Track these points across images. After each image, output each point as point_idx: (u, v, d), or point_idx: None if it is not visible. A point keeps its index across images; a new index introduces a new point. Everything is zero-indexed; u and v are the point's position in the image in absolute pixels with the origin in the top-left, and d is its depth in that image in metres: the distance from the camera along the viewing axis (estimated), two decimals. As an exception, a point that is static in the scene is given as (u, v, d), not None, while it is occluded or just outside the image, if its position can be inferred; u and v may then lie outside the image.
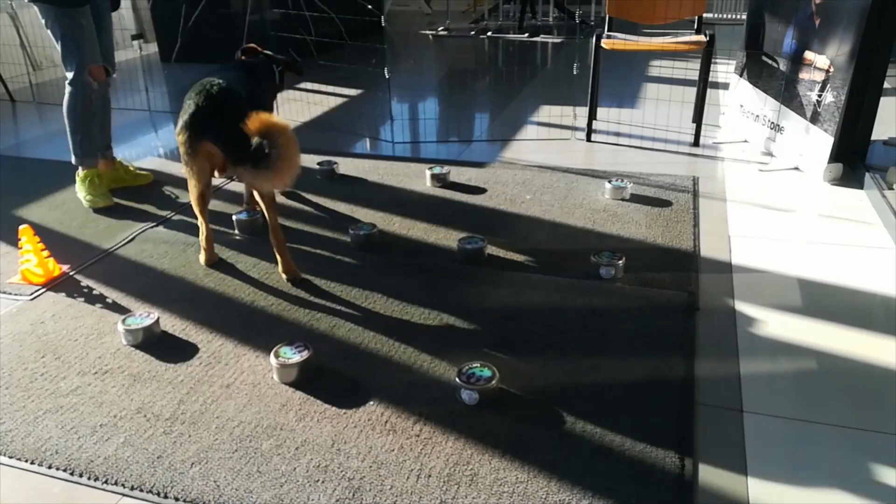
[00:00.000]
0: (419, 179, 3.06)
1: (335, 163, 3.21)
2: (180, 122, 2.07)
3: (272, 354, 1.78)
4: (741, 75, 3.54)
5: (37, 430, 1.61)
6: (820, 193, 2.84)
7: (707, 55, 3.33)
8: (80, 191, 2.84)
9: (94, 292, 2.21)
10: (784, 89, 3.17)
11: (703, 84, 3.38)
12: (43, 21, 2.66)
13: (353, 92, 4.72)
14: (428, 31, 6.88)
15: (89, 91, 2.73)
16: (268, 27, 5.39)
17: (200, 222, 2.29)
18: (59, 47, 2.68)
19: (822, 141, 2.91)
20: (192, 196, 2.21)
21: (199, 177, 2.13)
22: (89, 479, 1.48)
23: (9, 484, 1.48)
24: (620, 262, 2.21)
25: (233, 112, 1.99)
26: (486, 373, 1.69)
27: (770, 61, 3.33)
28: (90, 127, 2.82)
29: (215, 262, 2.34)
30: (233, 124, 1.93)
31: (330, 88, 4.74)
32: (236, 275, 2.28)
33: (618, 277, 2.20)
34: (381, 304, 2.10)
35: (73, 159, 2.88)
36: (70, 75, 2.72)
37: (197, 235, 2.37)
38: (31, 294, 2.19)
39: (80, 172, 2.86)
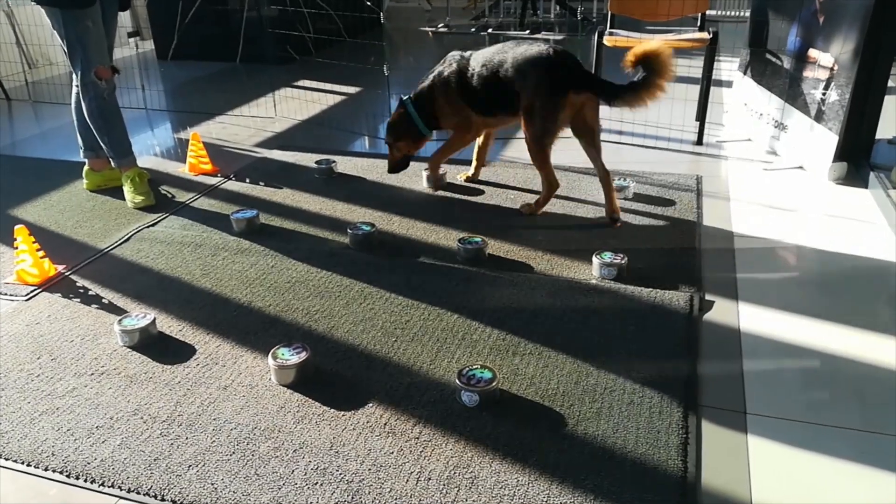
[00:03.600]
0: (418, 179, 3.03)
1: (333, 161, 3.19)
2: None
3: (270, 356, 1.76)
4: (745, 73, 3.52)
5: (33, 432, 1.59)
6: (824, 192, 2.82)
7: (710, 53, 3.31)
8: (125, 192, 2.85)
9: (90, 293, 2.19)
10: (788, 87, 3.15)
11: (707, 82, 3.36)
12: (49, 22, 2.66)
13: (351, 90, 4.69)
14: (428, 28, 6.86)
15: (98, 90, 2.72)
16: (265, 24, 5.36)
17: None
18: (65, 48, 2.67)
19: (826, 139, 2.89)
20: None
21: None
22: (86, 481, 1.46)
23: (5, 486, 1.47)
24: (623, 261, 2.19)
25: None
26: (487, 374, 1.67)
27: (774, 59, 3.31)
28: (115, 126, 2.82)
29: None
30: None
31: (328, 86, 4.71)
32: (234, 275, 2.26)
33: (620, 277, 2.18)
34: (381, 304, 2.08)
35: (111, 163, 2.92)
36: (77, 76, 2.72)
37: (193, 235, 2.35)
38: (27, 295, 2.17)
39: (122, 173, 2.88)
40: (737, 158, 3.23)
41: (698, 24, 3.62)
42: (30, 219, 2.71)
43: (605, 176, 2.60)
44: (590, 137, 2.59)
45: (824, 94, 2.91)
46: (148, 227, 2.63)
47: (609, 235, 2.48)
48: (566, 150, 3.44)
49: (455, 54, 2.70)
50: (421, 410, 1.63)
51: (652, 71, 2.29)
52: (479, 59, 2.64)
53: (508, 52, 2.55)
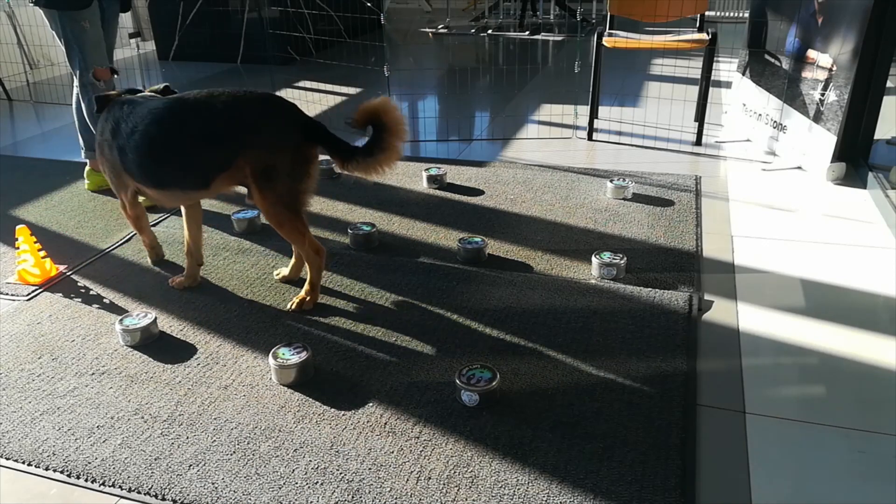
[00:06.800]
0: (418, 179, 3.04)
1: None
2: (279, 134, 1.92)
3: (270, 355, 1.77)
4: (744, 74, 3.52)
5: (34, 432, 1.60)
6: (823, 193, 2.82)
7: (709, 53, 3.31)
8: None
9: (92, 292, 2.19)
10: (787, 88, 3.15)
11: (706, 82, 3.37)
12: (48, 23, 2.67)
13: (352, 90, 4.70)
14: (428, 29, 6.87)
15: (97, 91, 2.73)
16: (266, 25, 5.37)
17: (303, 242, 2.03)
18: (63, 49, 2.68)
19: (825, 140, 2.89)
20: (295, 213, 1.97)
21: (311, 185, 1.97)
22: (86, 480, 1.47)
23: (5, 486, 1.47)
24: (622, 261, 2.19)
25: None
26: (487, 374, 1.68)
27: (773, 60, 3.32)
28: None
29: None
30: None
31: (329, 87, 4.72)
32: (235, 275, 2.27)
33: (619, 277, 2.18)
34: (381, 304, 2.08)
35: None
36: (76, 77, 2.74)
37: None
38: (28, 294, 2.18)
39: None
40: (736, 159, 3.23)
41: (697, 24, 3.63)
42: (31, 219, 2.72)
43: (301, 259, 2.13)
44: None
45: (823, 94, 2.91)
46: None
47: (608, 236, 2.49)
48: (566, 150, 3.46)
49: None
50: (421, 410, 1.63)
51: (384, 130, 1.89)
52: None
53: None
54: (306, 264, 2.08)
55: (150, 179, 2.00)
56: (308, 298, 2.07)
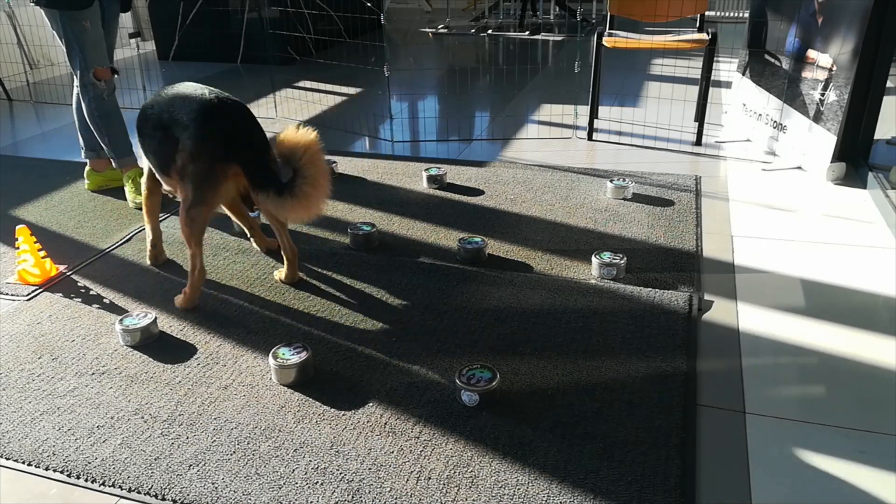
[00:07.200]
0: (418, 179, 3.04)
1: (334, 162, 3.19)
2: (200, 142, 1.85)
3: (270, 355, 1.77)
4: (744, 74, 3.52)
5: (34, 432, 1.60)
6: (823, 193, 2.82)
7: (709, 53, 3.31)
8: (126, 192, 2.87)
9: (92, 292, 2.19)
10: (787, 88, 3.15)
11: (706, 82, 3.37)
12: (48, 23, 2.67)
13: (352, 90, 4.70)
14: (428, 29, 6.87)
15: (98, 91, 2.73)
16: (266, 25, 5.37)
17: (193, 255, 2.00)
18: (64, 49, 2.69)
19: (825, 140, 2.89)
20: (195, 224, 1.94)
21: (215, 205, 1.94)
22: (86, 480, 1.47)
23: (5, 486, 1.47)
24: (622, 261, 2.20)
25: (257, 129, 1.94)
26: (487, 374, 1.68)
27: (773, 60, 3.32)
28: (114, 126, 2.83)
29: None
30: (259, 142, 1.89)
31: (329, 87, 4.72)
32: (234, 275, 2.27)
33: (619, 277, 2.18)
34: (381, 304, 2.08)
35: (112, 163, 2.93)
36: (77, 77, 2.74)
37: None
38: (28, 294, 2.18)
39: (123, 173, 2.89)
40: (736, 159, 3.23)
41: (697, 24, 3.63)
42: (31, 219, 2.72)
43: (290, 255, 2.16)
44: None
45: (823, 94, 2.91)
46: (149, 227, 2.63)
47: (608, 236, 2.49)
48: (566, 150, 3.46)
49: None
50: (421, 410, 1.63)
51: (299, 171, 1.69)
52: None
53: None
54: (289, 265, 2.20)
55: (141, 146, 2.14)
56: (182, 300, 2.06)
